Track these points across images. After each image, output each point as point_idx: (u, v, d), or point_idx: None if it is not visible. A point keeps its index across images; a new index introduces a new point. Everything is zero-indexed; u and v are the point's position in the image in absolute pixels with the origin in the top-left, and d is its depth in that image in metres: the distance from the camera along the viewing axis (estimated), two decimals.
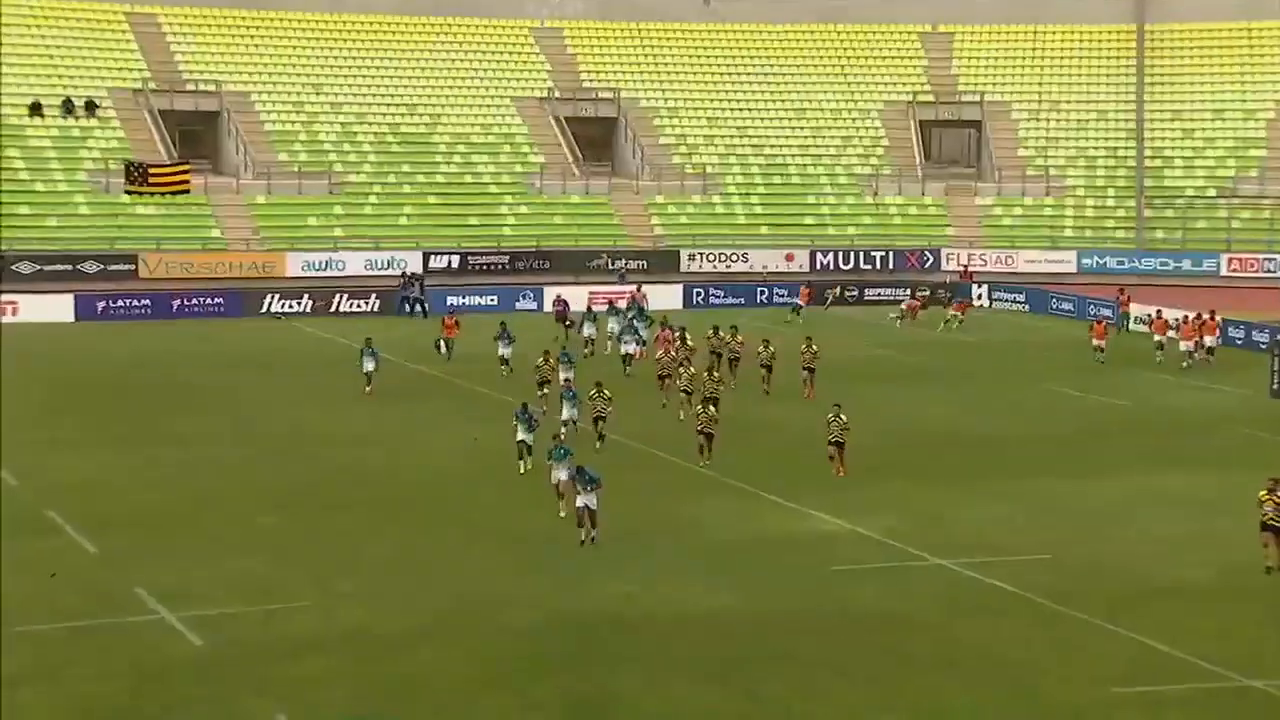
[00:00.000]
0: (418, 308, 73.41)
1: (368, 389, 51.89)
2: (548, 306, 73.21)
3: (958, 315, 70.69)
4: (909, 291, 76.27)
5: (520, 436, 40.26)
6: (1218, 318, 61.92)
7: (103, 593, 31.35)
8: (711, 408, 42.70)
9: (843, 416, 40.53)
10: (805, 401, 49.91)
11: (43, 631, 29.06)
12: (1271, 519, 30.79)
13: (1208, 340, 60.06)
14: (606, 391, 43.53)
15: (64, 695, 26.13)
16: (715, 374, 47.71)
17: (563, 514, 35.52)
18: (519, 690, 26.40)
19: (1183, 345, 59.11)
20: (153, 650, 28.22)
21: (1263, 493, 31.39)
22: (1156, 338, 60.23)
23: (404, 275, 75.24)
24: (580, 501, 33.66)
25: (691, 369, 48.83)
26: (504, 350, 55.66)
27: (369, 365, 52.20)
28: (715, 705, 25.93)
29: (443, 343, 58.42)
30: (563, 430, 42.02)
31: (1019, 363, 61.74)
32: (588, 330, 61.33)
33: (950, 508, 38.68)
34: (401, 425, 47.85)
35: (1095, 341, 59.56)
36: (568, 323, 65.20)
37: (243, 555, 33.70)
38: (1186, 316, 61.33)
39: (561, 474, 35.64)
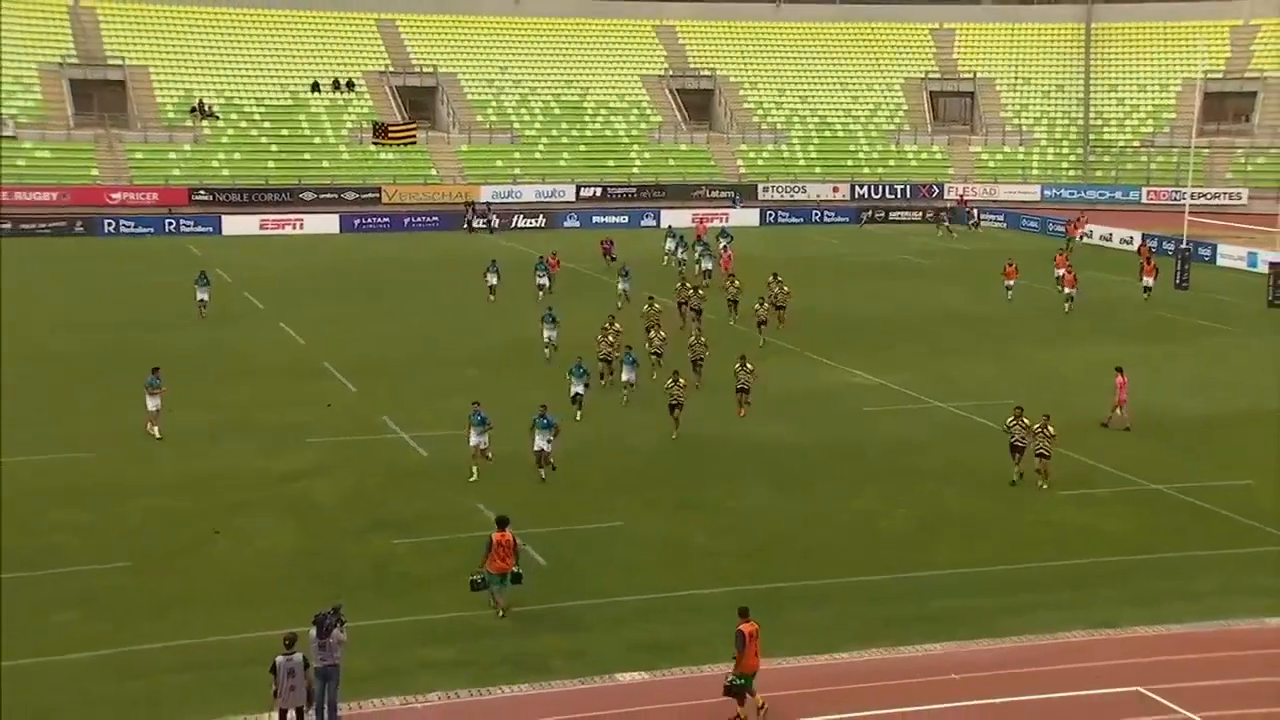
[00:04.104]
0: (485, 227, 70.95)
1: (491, 298, 47.65)
2: (664, 223, 72.54)
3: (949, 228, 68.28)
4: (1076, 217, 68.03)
5: (575, 390, 31.86)
6: (1154, 261, 52.57)
7: (361, 418, 32.01)
8: (682, 378, 31.01)
9: (749, 365, 32.39)
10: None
11: (323, 443, 29.78)
12: (1017, 441, 27.19)
13: (1147, 280, 50.38)
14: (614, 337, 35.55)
15: (339, 485, 26.86)
16: (703, 339, 35.44)
17: (473, 478, 27.06)
18: (639, 493, 26.68)
19: (1066, 290, 47.85)
20: (395, 458, 28.84)
21: (1009, 419, 27.42)
22: (1067, 290, 47.73)
23: (471, 205, 72.52)
24: (537, 445, 27.17)
25: (662, 333, 36.73)
26: (492, 279, 47.73)
27: (493, 279, 47.42)
28: (781, 505, 26.05)
29: (548, 279, 48.87)
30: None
31: (1000, 264, 60.28)
32: (677, 251, 56.10)
33: (953, 367, 38.36)
34: (559, 309, 47.47)
35: (1007, 282, 50.27)
36: (612, 258, 56.18)
37: (452, 396, 33.88)
38: (1068, 259, 52.55)
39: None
